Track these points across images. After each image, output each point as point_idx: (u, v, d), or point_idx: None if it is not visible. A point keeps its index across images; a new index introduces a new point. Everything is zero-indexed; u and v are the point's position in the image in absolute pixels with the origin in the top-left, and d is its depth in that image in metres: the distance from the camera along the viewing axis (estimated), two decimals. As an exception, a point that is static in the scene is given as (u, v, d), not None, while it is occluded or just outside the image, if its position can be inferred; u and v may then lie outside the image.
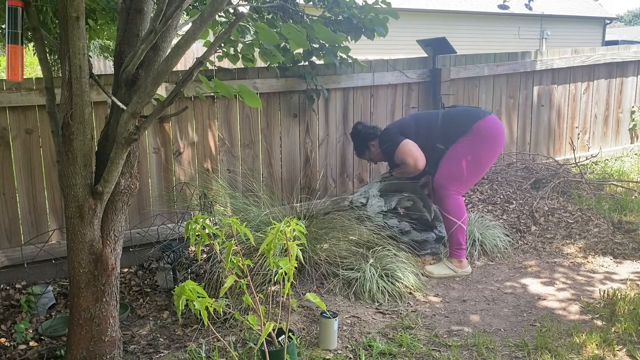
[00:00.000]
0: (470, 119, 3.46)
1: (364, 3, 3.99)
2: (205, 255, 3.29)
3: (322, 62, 4.05)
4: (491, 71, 4.88)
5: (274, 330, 2.23)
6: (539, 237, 3.98)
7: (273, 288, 2.97)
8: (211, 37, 4.41)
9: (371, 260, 3.22)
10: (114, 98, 2.12)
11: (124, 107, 2.06)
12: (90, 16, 4.18)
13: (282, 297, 2.73)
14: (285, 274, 2.03)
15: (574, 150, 5.28)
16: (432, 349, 2.58)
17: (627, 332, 2.65)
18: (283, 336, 2.29)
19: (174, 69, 2.63)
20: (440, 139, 3.50)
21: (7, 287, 3.21)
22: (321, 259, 3.26)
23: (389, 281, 3.13)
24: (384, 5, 3.98)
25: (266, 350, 2.08)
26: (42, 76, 2.21)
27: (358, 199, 3.71)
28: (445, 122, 3.52)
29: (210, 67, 3.88)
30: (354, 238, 3.53)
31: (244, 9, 4.16)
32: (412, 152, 3.47)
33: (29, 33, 2.24)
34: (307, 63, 3.97)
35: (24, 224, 3.28)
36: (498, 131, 3.47)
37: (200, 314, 1.87)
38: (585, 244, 3.81)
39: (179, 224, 3.56)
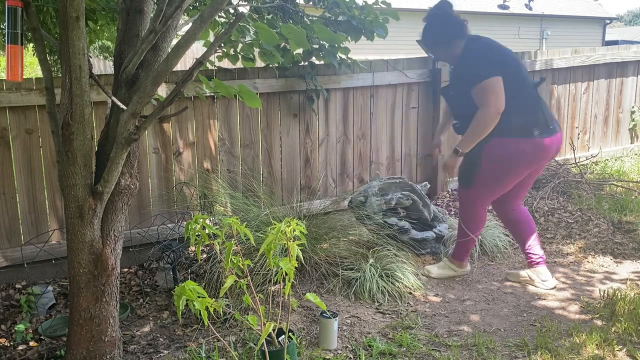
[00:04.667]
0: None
1: (364, 3, 3.98)
2: (205, 255, 3.29)
3: (322, 62, 4.04)
4: (491, 71, 4.87)
5: (274, 330, 2.23)
6: (539, 237, 3.98)
7: (273, 288, 2.97)
8: (211, 38, 4.41)
9: (371, 260, 3.22)
10: (114, 98, 2.11)
11: (124, 107, 2.06)
12: (90, 17, 4.17)
13: (282, 297, 2.74)
14: (286, 274, 2.03)
15: (574, 150, 5.28)
16: (432, 349, 2.58)
17: (627, 332, 2.65)
18: (283, 336, 2.29)
19: (174, 69, 2.63)
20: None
21: (7, 287, 3.21)
22: (321, 259, 3.26)
23: (388, 281, 3.13)
24: (384, 6, 3.98)
25: (266, 350, 2.08)
26: (42, 76, 2.21)
27: (357, 197, 3.71)
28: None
29: (210, 67, 3.88)
30: (354, 238, 3.53)
31: (244, 9, 4.16)
32: (500, 95, 2.82)
33: (29, 33, 2.24)
34: (306, 63, 3.97)
35: (24, 224, 3.28)
36: (549, 152, 3.01)
37: (200, 314, 1.87)
38: (585, 244, 3.81)
39: (179, 224, 3.56)
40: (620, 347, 2.54)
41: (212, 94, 3.64)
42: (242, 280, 2.09)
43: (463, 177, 3.14)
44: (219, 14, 3.78)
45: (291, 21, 4.05)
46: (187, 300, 1.85)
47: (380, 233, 3.45)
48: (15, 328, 2.74)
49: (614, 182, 4.88)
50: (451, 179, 3.31)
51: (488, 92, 2.84)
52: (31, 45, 5.98)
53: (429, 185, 4.23)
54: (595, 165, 5.56)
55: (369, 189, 3.72)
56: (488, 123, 2.86)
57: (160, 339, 2.72)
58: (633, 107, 5.98)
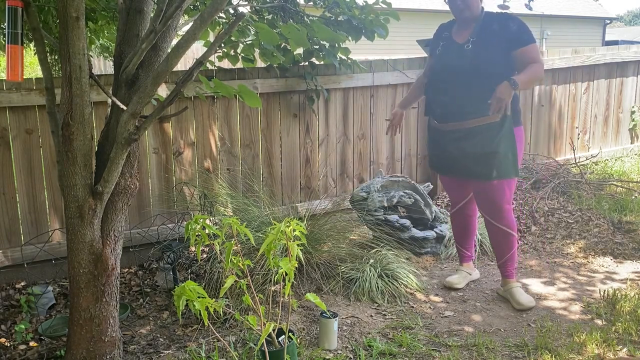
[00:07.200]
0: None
1: (364, 3, 3.99)
2: (205, 256, 3.29)
3: (322, 62, 4.04)
4: (491, 71, 4.86)
5: (274, 330, 2.23)
6: (539, 237, 3.98)
7: (273, 288, 2.97)
8: (211, 38, 4.41)
9: (371, 261, 3.21)
10: (114, 98, 2.11)
11: (124, 107, 2.06)
12: (90, 17, 4.17)
13: (282, 297, 2.73)
14: (286, 274, 2.03)
15: (574, 151, 5.28)
16: (432, 349, 2.58)
17: (627, 332, 2.65)
18: (283, 336, 2.29)
19: (174, 69, 2.63)
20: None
21: (7, 287, 3.21)
22: (321, 259, 3.26)
23: (389, 281, 3.13)
24: (384, 6, 3.97)
25: (266, 351, 2.08)
26: (42, 76, 2.21)
27: (359, 192, 3.71)
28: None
29: (210, 67, 3.88)
30: (354, 238, 3.53)
31: (244, 9, 4.16)
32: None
33: (29, 33, 2.24)
34: (307, 63, 3.98)
35: (24, 224, 3.28)
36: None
37: (200, 314, 1.87)
38: (585, 244, 3.81)
39: (179, 224, 3.56)
40: (620, 347, 2.54)
41: (212, 94, 3.64)
42: (242, 280, 2.09)
43: (511, 166, 2.92)
44: (219, 14, 3.78)
45: (291, 21, 4.05)
46: (187, 300, 1.85)
47: (381, 234, 3.45)
48: (15, 328, 2.74)
49: (614, 182, 4.88)
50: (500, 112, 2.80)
51: (538, 53, 2.85)
52: (32, 45, 5.98)
53: (431, 186, 4.24)
54: (595, 165, 5.56)
55: (371, 185, 3.71)
56: (541, 77, 2.85)
57: (160, 339, 2.72)
58: (633, 107, 5.98)
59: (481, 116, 2.86)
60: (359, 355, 2.51)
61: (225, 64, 4.36)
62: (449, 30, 3.07)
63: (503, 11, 3.05)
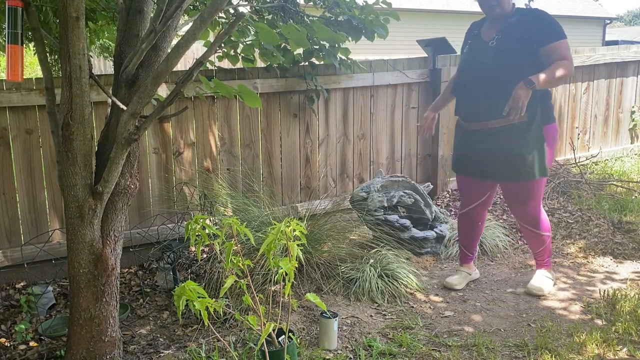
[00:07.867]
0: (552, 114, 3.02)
1: (364, 3, 3.99)
2: (205, 256, 3.30)
3: (322, 62, 4.04)
4: (491, 71, 4.86)
5: (274, 330, 2.23)
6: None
7: (273, 288, 2.97)
8: (211, 38, 4.40)
9: (371, 261, 3.21)
10: (114, 98, 2.11)
11: (124, 107, 2.06)
12: (90, 17, 4.17)
13: (282, 297, 2.73)
14: (286, 274, 2.03)
15: (574, 151, 5.28)
16: (432, 349, 2.58)
17: (627, 332, 2.65)
18: (283, 336, 2.29)
19: (174, 69, 2.63)
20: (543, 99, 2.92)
21: (7, 287, 3.21)
22: (321, 259, 3.26)
23: (389, 281, 3.13)
24: (384, 6, 3.98)
25: (266, 351, 2.08)
26: (42, 76, 2.21)
27: (359, 192, 3.71)
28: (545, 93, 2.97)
29: (210, 67, 3.88)
30: (354, 238, 3.53)
31: (244, 9, 4.16)
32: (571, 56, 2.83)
33: (29, 33, 2.24)
34: (307, 63, 3.98)
35: (24, 224, 3.28)
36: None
37: (200, 314, 1.87)
38: (585, 244, 3.80)
39: (179, 224, 3.56)
40: (620, 347, 2.54)
41: (212, 94, 3.64)
42: (242, 280, 2.09)
43: (536, 167, 2.87)
44: (219, 14, 3.78)
45: (291, 21, 4.04)
46: (187, 300, 1.85)
47: (381, 234, 3.45)
48: (15, 328, 2.74)
49: (614, 182, 4.88)
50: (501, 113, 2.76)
51: (568, 50, 2.78)
52: (31, 45, 5.98)
53: (431, 186, 4.24)
54: (596, 165, 5.56)
55: (371, 185, 3.71)
56: (568, 74, 2.76)
57: (160, 339, 2.73)
58: (633, 107, 5.98)
59: (505, 116, 2.79)
60: (359, 355, 2.51)
61: (225, 64, 4.36)
62: (479, 28, 3.03)
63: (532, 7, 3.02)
